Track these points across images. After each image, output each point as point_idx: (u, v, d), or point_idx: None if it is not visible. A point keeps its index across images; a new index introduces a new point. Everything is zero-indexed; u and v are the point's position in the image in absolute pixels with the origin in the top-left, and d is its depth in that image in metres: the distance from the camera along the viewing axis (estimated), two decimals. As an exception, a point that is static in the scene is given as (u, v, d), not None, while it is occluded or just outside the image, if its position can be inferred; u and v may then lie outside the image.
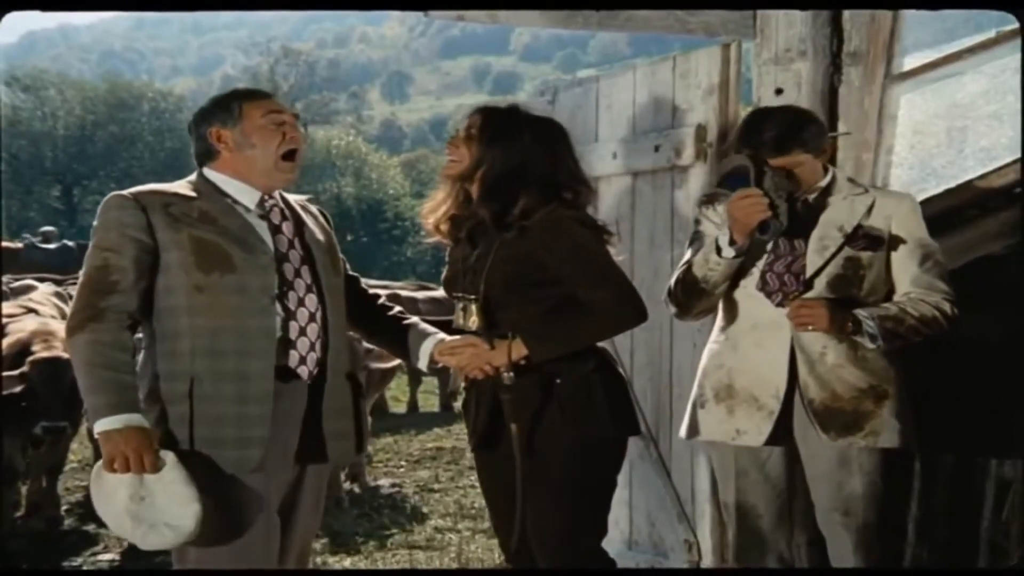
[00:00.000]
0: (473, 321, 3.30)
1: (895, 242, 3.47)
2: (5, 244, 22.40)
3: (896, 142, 4.39)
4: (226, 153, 3.19)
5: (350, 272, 3.51)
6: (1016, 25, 4.06)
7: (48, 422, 6.02)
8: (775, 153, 3.43)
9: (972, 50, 4.40)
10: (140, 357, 3.17)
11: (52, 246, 22.73)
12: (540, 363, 3.24)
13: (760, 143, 3.45)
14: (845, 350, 3.45)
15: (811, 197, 3.52)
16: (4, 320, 6.80)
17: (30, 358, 6.16)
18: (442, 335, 3.38)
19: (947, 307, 3.43)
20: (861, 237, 3.46)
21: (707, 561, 4.55)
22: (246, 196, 3.19)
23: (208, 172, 3.22)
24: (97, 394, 2.99)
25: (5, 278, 11.51)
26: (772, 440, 3.51)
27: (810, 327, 3.40)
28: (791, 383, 3.48)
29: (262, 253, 3.13)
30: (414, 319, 3.51)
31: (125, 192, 3.12)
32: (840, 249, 3.45)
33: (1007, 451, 4.20)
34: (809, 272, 3.46)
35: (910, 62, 4.40)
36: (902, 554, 4.38)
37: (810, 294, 3.44)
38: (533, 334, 3.22)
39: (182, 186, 3.19)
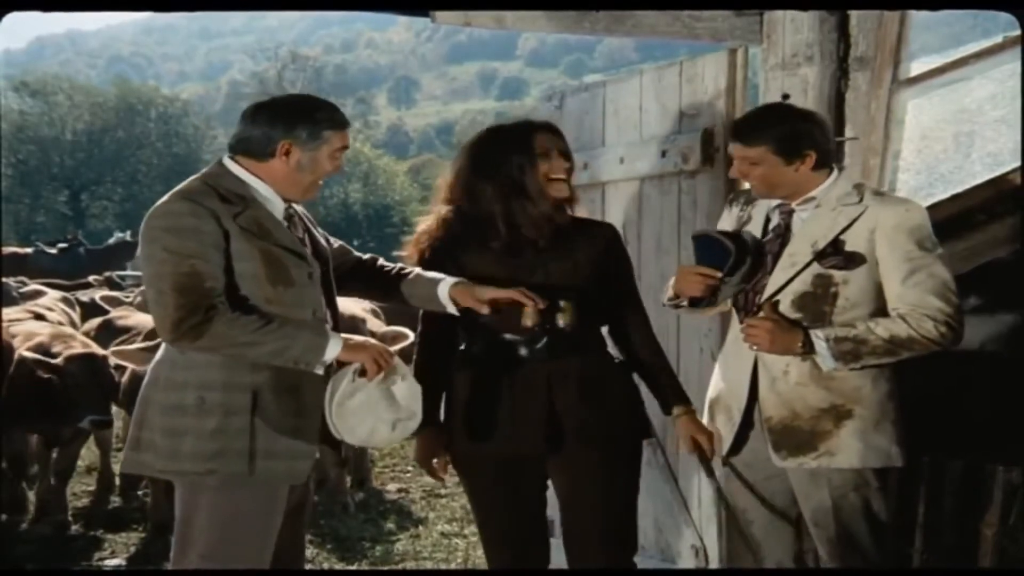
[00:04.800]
0: (565, 318, 3.33)
1: (878, 257, 3.33)
2: (14, 249, 22.42)
3: (903, 147, 4.38)
4: (280, 165, 3.14)
5: (361, 256, 3.57)
6: (1018, 32, 4.05)
7: (96, 416, 6.06)
8: (738, 141, 3.41)
9: (979, 55, 4.39)
10: (166, 364, 3.15)
11: (53, 251, 22.80)
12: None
13: (735, 127, 3.49)
14: (809, 368, 3.38)
15: (796, 206, 3.46)
16: (8, 323, 6.86)
17: (67, 353, 6.20)
18: (452, 279, 3.36)
19: (930, 326, 3.25)
20: (832, 254, 3.34)
21: (714, 567, 4.54)
22: (277, 205, 3.18)
23: (236, 168, 3.16)
24: (299, 336, 3.04)
25: (14, 283, 11.55)
26: (733, 451, 3.56)
27: (755, 347, 3.39)
28: (752, 399, 3.48)
29: (309, 266, 3.17)
30: (417, 270, 3.49)
31: (190, 198, 3.05)
32: (808, 266, 3.37)
33: (1015, 457, 4.18)
34: (770, 290, 3.41)
35: (917, 67, 4.39)
36: (908, 559, 4.37)
37: (773, 312, 3.39)
38: None
39: (220, 185, 3.11)
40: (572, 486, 3.43)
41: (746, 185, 3.55)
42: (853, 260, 3.33)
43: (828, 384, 3.37)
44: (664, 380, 3.56)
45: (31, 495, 6.92)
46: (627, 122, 4.77)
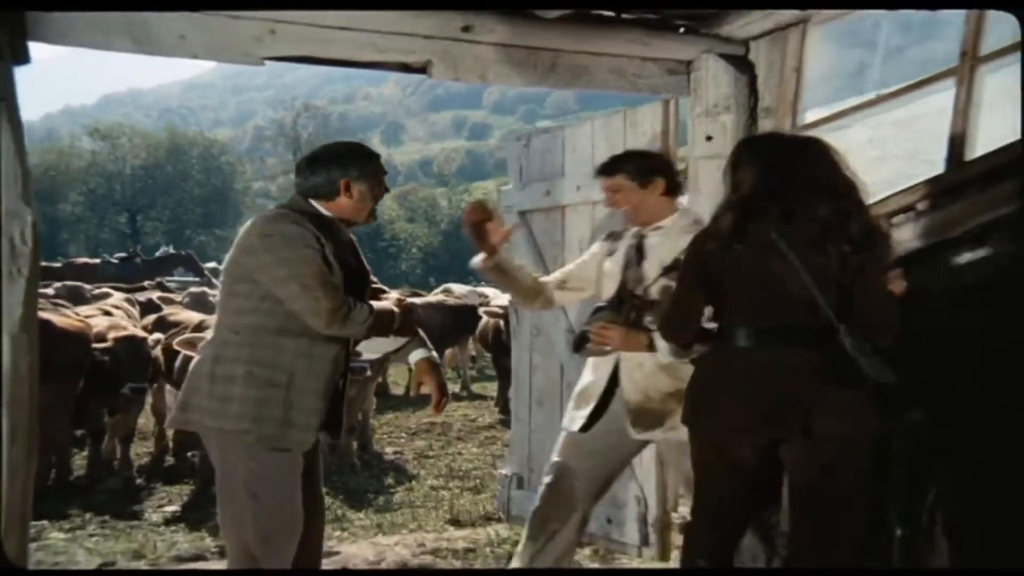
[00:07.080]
0: None
1: None
2: (85, 260, 22.18)
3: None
4: (345, 200, 3.11)
5: (382, 293, 3.50)
6: (1016, 36, 3.67)
7: (134, 383, 6.30)
8: (603, 175, 3.46)
9: (857, 108, 4.35)
10: (218, 343, 3.06)
11: (114, 260, 22.58)
12: None
13: (600, 167, 3.50)
14: (658, 361, 3.32)
15: (649, 231, 3.46)
16: (84, 317, 6.94)
17: (113, 334, 6.46)
18: None
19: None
20: (672, 269, 3.29)
21: (652, 512, 4.46)
22: (343, 233, 3.14)
23: (316, 203, 3.11)
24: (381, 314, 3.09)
25: (86, 287, 11.44)
26: (585, 428, 3.52)
27: (607, 348, 3.34)
28: (610, 388, 3.47)
29: (361, 286, 3.14)
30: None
31: (296, 221, 2.99)
32: (656, 280, 3.36)
33: (1005, 451, 3.86)
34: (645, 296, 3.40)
35: (811, 115, 4.35)
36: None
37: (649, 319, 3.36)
38: None
39: (308, 213, 3.06)
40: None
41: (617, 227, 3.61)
42: None
43: (672, 372, 3.32)
44: None
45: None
46: (582, 157, 4.70)
